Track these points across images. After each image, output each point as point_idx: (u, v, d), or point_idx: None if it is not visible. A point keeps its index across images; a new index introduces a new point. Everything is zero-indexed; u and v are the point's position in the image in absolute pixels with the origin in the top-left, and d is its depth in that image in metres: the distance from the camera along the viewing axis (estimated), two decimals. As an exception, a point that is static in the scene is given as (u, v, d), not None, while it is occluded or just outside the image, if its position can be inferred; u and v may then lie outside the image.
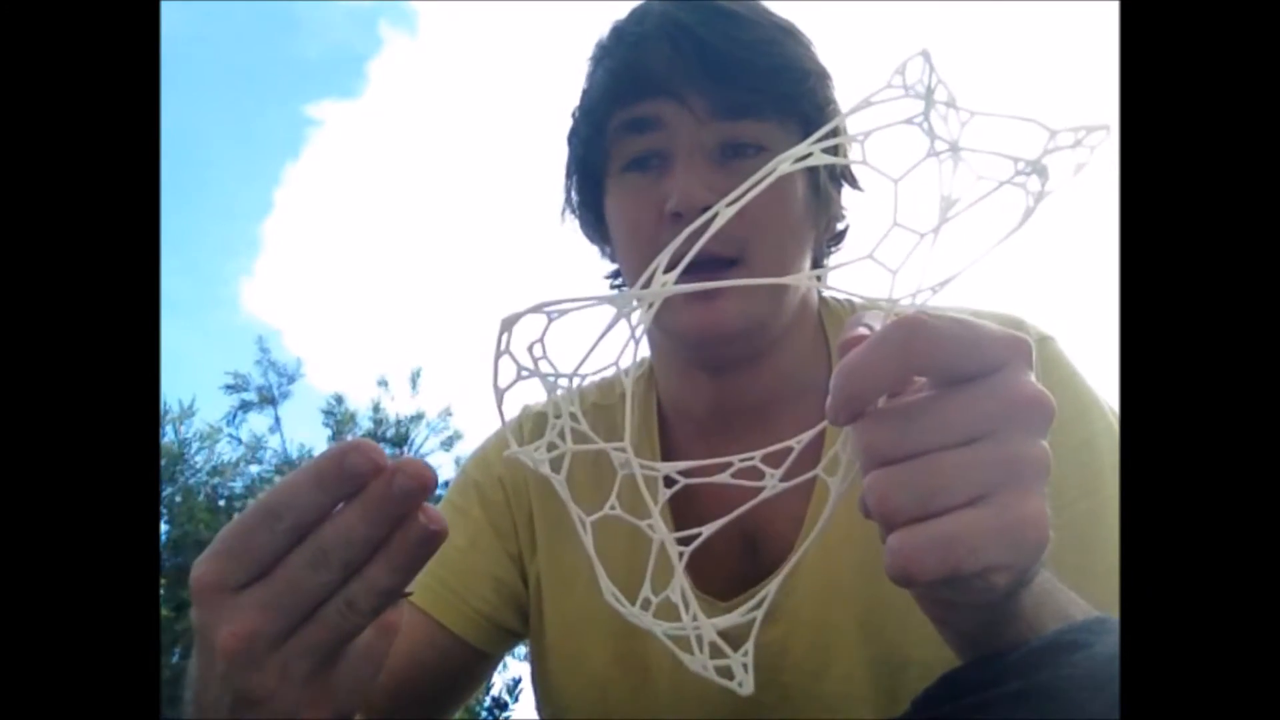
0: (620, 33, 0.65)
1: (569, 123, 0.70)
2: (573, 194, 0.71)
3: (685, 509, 0.57)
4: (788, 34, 0.64)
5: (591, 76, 0.67)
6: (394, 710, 0.67)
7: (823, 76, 0.65)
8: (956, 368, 0.32)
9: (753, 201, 0.60)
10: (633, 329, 0.34)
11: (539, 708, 0.74)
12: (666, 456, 0.71)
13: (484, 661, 0.73)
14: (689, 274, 0.60)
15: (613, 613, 0.72)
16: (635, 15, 0.64)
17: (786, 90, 0.62)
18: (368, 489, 0.33)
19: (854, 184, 0.70)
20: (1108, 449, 0.59)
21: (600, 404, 0.75)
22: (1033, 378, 0.33)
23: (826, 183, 0.65)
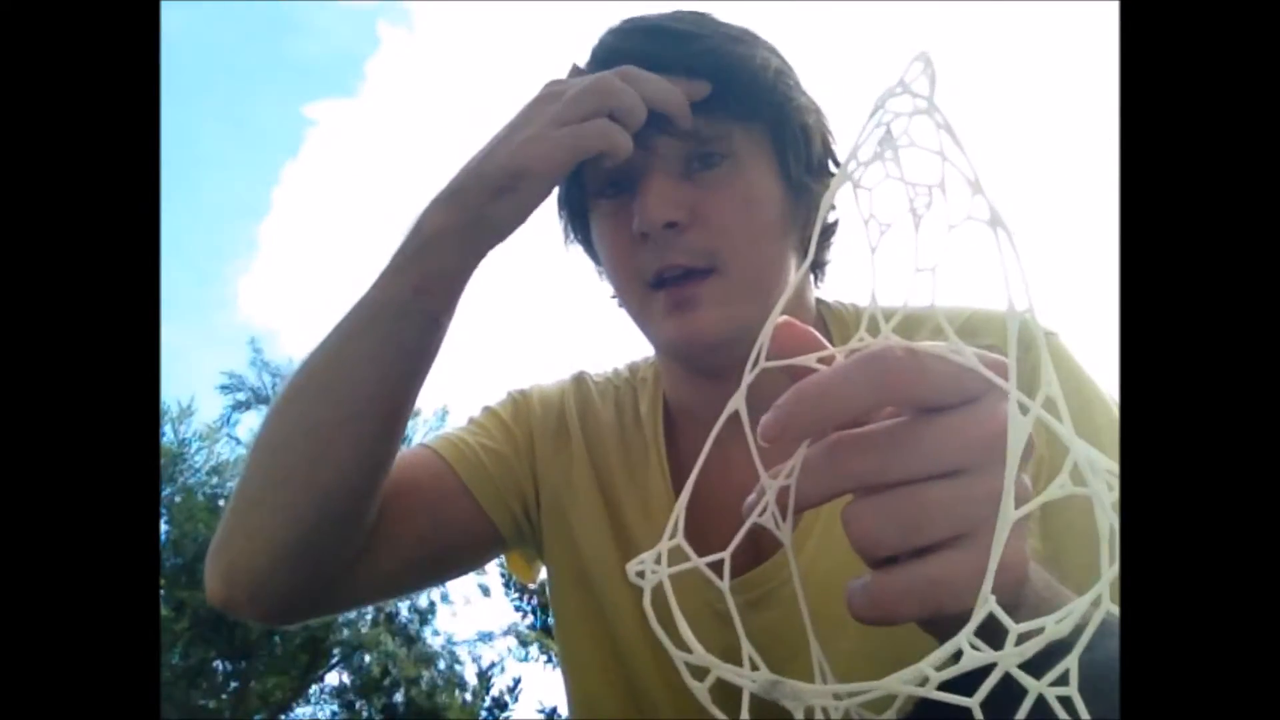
0: (576, 74, 0.68)
1: None
2: (565, 225, 0.74)
3: (691, 505, 0.58)
4: (737, 40, 0.65)
5: None
6: (405, 542, 0.69)
7: (781, 74, 0.66)
8: (934, 401, 0.31)
9: (718, 209, 0.61)
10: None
11: (555, 616, 0.77)
12: (672, 453, 0.72)
13: (486, 533, 0.75)
14: (665, 287, 0.62)
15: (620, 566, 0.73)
16: (594, 59, 0.67)
17: (739, 92, 0.63)
18: None
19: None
20: (1112, 445, 0.59)
21: (630, 381, 0.80)
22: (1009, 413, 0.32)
23: (803, 176, 0.65)
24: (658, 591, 0.32)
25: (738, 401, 0.34)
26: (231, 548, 0.62)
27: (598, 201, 0.67)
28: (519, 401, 0.79)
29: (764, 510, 0.35)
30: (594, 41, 0.68)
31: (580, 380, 0.80)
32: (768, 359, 0.35)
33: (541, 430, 0.77)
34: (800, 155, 0.65)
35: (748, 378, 0.34)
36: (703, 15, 0.66)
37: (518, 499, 0.74)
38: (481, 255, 0.60)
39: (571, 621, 0.74)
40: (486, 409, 0.80)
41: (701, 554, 0.35)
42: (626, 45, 0.64)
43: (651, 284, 0.63)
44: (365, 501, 0.63)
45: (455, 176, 0.59)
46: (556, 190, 0.72)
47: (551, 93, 0.60)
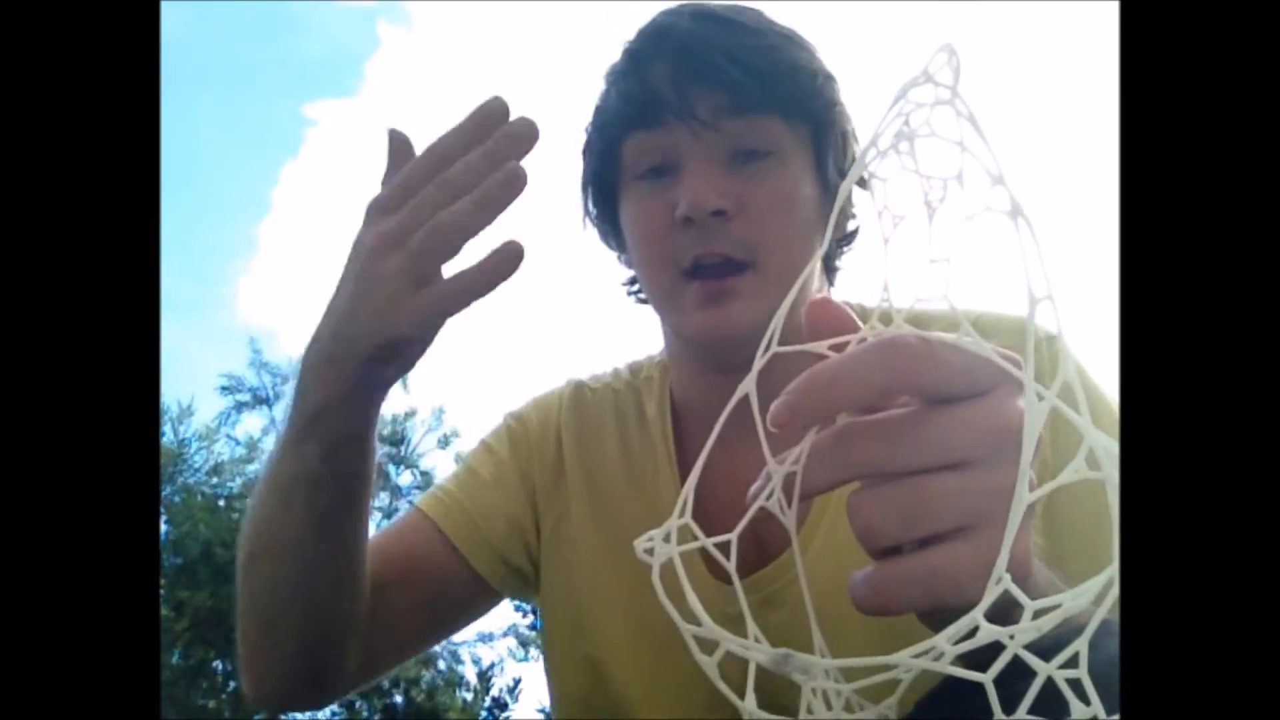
0: (629, 54, 0.67)
1: (582, 138, 0.72)
2: (589, 205, 0.73)
3: (700, 502, 0.58)
4: (790, 40, 0.65)
5: (605, 96, 0.69)
6: (387, 601, 0.69)
7: (829, 79, 0.66)
8: (944, 391, 0.31)
9: (762, 203, 0.61)
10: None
11: (546, 662, 0.76)
12: (680, 450, 0.72)
13: (486, 594, 0.75)
14: (701, 276, 0.62)
15: (630, 578, 0.73)
16: (642, 35, 0.66)
17: (791, 90, 0.63)
18: (494, 135, 0.48)
19: (863, 184, 0.71)
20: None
21: (631, 383, 0.79)
22: (1023, 403, 0.32)
23: (836, 182, 0.66)
24: (666, 578, 0.32)
25: (749, 385, 0.34)
26: (253, 669, 0.65)
27: (634, 183, 0.66)
28: (515, 430, 0.78)
29: (770, 495, 0.35)
30: (645, 24, 0.66)
31: (578, 390, 0.79)
32: (804, 338, 0.35)
33: (540, 461, 0.76)
34: (839, 160, 0.66)
35: (759, 362, 0.34)
36: (757, 11, 0.66)
37: (517, 544, 0.74)
38: (378, 407, 0.56)
39: (561, 661, 0.73)
40: (483, 443, 0.79)
41: (708, 556, 0.35)
42: (686, 26, 0.63)
43: (686, 270, 0.62)
44: (352, 614, 0.65)
45: (322, 335, 0.53)
46: (581, 169, 0.72)
47: (384, 232, 0.50)
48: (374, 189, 0.54)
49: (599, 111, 0.69)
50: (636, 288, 0.74)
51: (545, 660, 0.76)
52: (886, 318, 0.34)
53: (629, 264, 0.73)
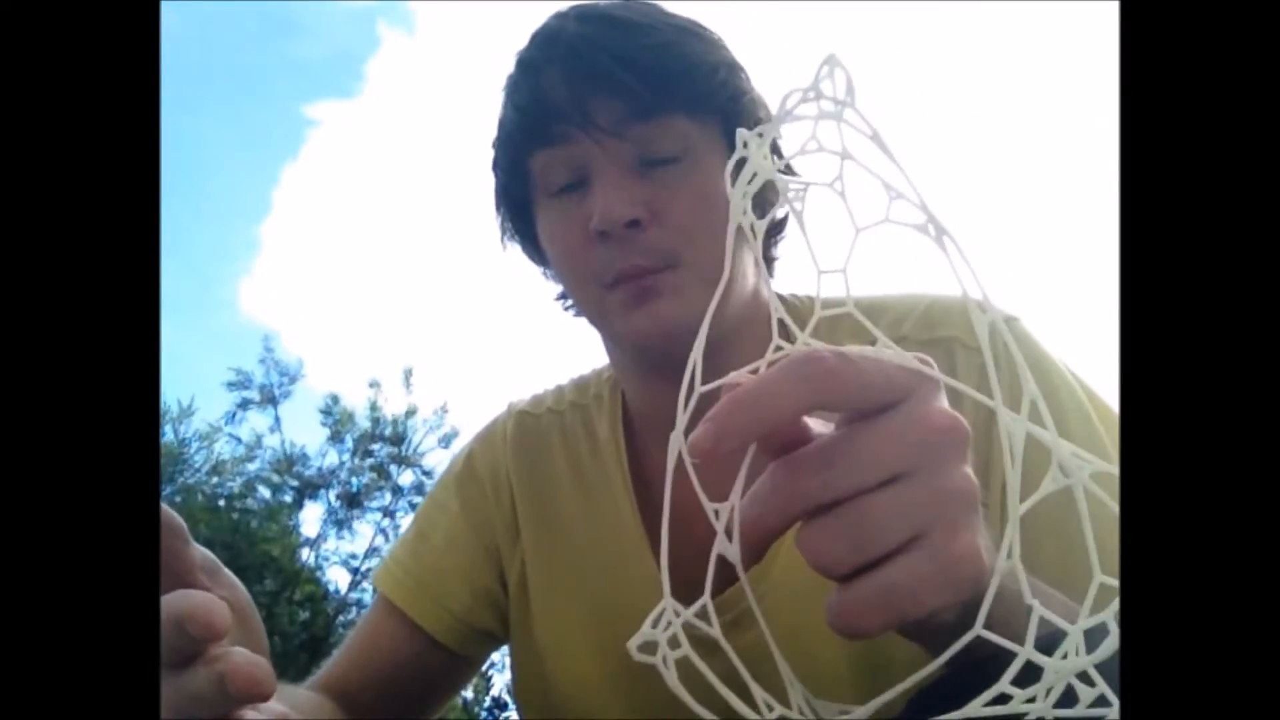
0: (523, 64, 0.64)
1: (490, 154, 0.69)
2: (506, 223, 0.71)
3: (655, 515, 0.56)
4: (689, 33, 0.63)
5: (504, 109, 0.66)
6: (377, 707, 0.68)
7: (733, 69, 0.64)
8: (865, 402, 0.31)
9: (678, 208, 0.60)
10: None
11: (519, 708, 0.75)
12: (632, 458, 0.71)
13: (460, 664, 0.73)
14: (625, 284, 0.60)
15: (597, 612, 0.71)
16: (535, 42, 0.64)
17: (692, 87, 0.61)
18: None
19: (788, 170, 0.69)
20: (1080, 433, 0.59)
21: (577, 403, 0.76)
22: (943, 403, 0.32)
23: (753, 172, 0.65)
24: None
25: (677, 440, 0.33)
26: None
27: (547, 200, 0.64)
28: (463, 478, 0.76)
29: (727, 530, 0.34)
30: (536, 29, 0.64)
31: (520, 420, 0.77)
32: (744, 336, 0.35)
33: (496, 508, 0.74)
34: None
35: (682, 420, 0.33)
36: (652, 6, 0.64)
37: (481, 606, 0.72)
38: None
39: (532, 710, 0.72)
40: (432, 498, 0.77)
41: (677, 579, 0.34)
42: (574, 30, 0.61)
43: (609, 285, 0.61)
44: None
45: None
46: (493, 186, 0.70)
47: None
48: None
49: (501, 126, 0.67)
50: (569, 301, 0.72)
51: (517, 711, 0.74)
52: (784, 333, 0.34)
53: (554, 279, 0.72)
